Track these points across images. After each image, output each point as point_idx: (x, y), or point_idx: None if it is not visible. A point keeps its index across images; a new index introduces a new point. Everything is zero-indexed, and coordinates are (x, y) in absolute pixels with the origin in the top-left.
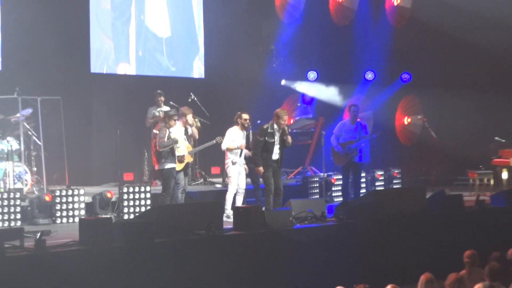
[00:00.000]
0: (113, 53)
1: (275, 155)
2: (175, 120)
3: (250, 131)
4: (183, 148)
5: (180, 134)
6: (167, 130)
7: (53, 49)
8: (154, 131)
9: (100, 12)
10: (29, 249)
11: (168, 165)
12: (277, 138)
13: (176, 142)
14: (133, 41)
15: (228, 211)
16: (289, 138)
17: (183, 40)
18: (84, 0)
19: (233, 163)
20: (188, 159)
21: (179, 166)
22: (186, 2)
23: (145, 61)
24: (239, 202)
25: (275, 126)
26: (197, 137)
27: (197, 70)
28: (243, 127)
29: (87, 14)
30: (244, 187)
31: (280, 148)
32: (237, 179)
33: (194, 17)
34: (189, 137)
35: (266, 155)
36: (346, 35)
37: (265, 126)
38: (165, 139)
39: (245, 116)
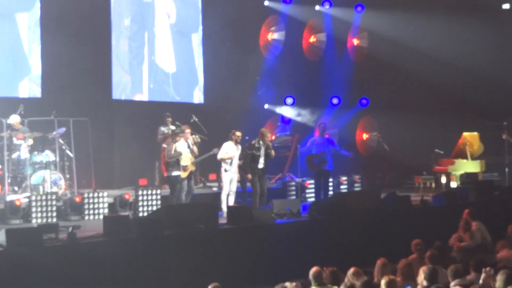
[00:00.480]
0: (130, 85)
1: (261, 165)
2: (180, 137)
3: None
4: (186, 159)
5: (184, 148)
6: (174, 144)
7: (82, 80)
8: (164, 145)
9: (120, 52)
10: (63, 240)
11: (175, 173)
12: (262, 151)
13: (180, 154)
14: (146, 76)
15: (223, 209)
16: (273, 152)
17: (186, 74)
18: (107, 41)
19: (226, 171)
20: (191, 168)
21: (183, 174)
22: (188, 43)
23: (155, 92)
24: (231, 202)
25: (261, 142)
26: (197, 153)
27: (197, 98)
28: (236, 142)
29: (109, 53)
30: (235, 190)
31: (264, 160)
32: (229, 184)
33: (194, 55)
34: (191, 150)
35: (253, 165)
36: (316, 68)
37: (253, 142)
38: (172, 152)
39: (238, 133)
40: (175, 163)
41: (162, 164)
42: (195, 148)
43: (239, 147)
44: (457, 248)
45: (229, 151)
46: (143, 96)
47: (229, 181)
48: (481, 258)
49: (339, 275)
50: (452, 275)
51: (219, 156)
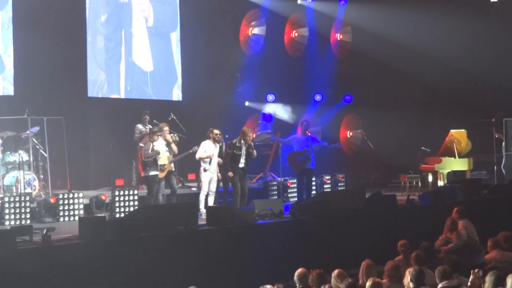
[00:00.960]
0: (106, 83)
1: (241, 164)
2: (158, 136)
3: (224, 143)
4: (164, 158)
5: (162, 146)
6: (151, 143)
7: (57, 77)
8: (140, 144)
9: (96, 49)
10: (37, 243)
11: (152, 173)
12: (243, 151)
13: (158, 153)
14: (123, 75)
15: (202, 209)
16: (254, 151)
17: (164, 72)
18: (82, 38)
19: (205, 170)
20: (169, 167)
21: (161, 174)
22: (166, 42)
23: (133, 90)
24: (210, 203)
25: (242, 141)
26: (176, 152)
27: (176, 95)
28: (215, 141)
29: (84, 50)
30: (215, 190)
31: (245, 159)
32: (208, 184)
33: (173, 53)
34: (170, 149)
35: (234, 165)
36: (298, 64)
37: (233, 141)
38: (149, 151)
39: (216, 131)
40: (153, 162)
41: (139, 163)
42: (174, 147)
43: (218, 145)
44: (445, 252)
45: (208, 150)
46: (120, 95)
47: (209, 181)
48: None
49: (326, 277)
50: (440, 277)
51: (197, 156)
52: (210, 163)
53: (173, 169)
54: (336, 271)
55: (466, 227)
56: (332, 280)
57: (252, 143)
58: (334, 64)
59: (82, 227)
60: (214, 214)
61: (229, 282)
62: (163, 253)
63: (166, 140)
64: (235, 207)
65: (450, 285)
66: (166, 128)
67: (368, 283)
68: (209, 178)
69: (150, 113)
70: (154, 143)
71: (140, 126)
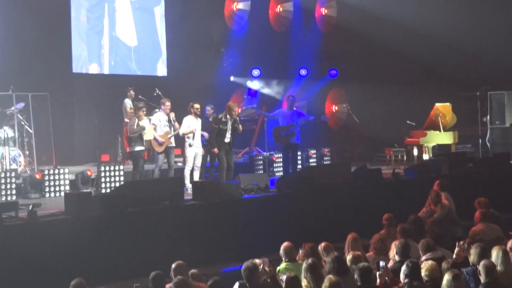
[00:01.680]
0: (90, 60)
1: (227, 139)
2: (143, 111)
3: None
4: (150, 134)
5: (163, 121)
6: (136, 119)
7: (41, 53)
8: (126, 120)
9: (80, 25)
10: (23, 219)
11: (137, 148)
12: (229, 126)
13: (143, 129)
14: (107, 50)
15: (187, 185)
16: (240, 126)
17: (148, 47)
18: (66, 13)
19: (190, 146)
20: (167, 142)
21: (159, 149)
22: (150, 17)
23: (117, 67)
24: (196, 178)
25: (228, 116)
26: (178, 128)
27: (161, 71)
28: (196, 115)
29: (69, 25)
30: (200, 165)
31: (231, 134)
32: (193, 159)
33: (157, 27)
34: (171, 124)
35: (220, 140)
36: (283, 39)
37: (219, 116)
38: (135, 127)
39: (197, 105)
40: (138, 138)
41: (124, 139)
42: (176, 125)
43: (199, 119)
44: (430, 223)
45: (191, 125)
46: (104, 70)
47: (194, 156)
48: (438, 232)
49: (318, 251)
50: (424, 249)
51: (181, 131)
52: (193, 138)
53: (172, 144)
54: (322, 244)
55: (448, 199)
56: (319, 253)
57: (238, 118)
58: (319, 38)
59: (68, 203)
60: (200, 189)
61: (215, 257)
62: (149, 228)
63: (168, 115)
64: (221, 182)
65: (434, 256)
66: (168, 104)
67: (348, 257)
68: (194, 153)
69: (134, 88)
70: (159, 116)
71: (129, 101)
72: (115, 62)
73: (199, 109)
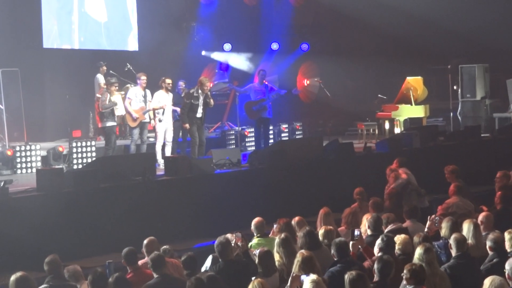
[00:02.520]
0: (60, 35)
1: (199, 114)
2: (115, 87)
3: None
4: (121, 109)
5: (139, 96)
6: (108, 94)
7: (11, 29)
8: (97, 95)
9: (49, 1)
10: None
11: (109, 123)
12: (201, 100)
13: (115, 104)
14: (76, 26)
15: (159, 160)
16: (212, 101)
17: (119, 22)
18: None
19: (160, 121)
20: (141, 118)
21: (133, 124)
22: None
23: (87, 43)
24: (168, 153)
25: (199, 91)
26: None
27: (131, 45)
28: (167, 90)
29: (39, 1)
30: (171, 140)
31: (203, 109)
32: (163, 134)
33: (127, 2)
34: (146, 99)
35: (192, 114)
36: (254, 12)
37: (191, 91)
38: (107, 102)
39: (168, 80)
40: (110, 113)
41: (96, 114)
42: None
43: (170, 94)
44: (387, 194)
45: (161, 100)
46: (73, 46)
47: (164, 131)
48: (413, 206)
49: (293, 226)
50: (385, 223)
51: (151, 106)
52: (163, 113)
53: (146, 120)
54: (296, 218)
55: (406, 173)
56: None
57: (209, 93)
58: (290, 12)
59: (40, 179)
60: (172, 164)
61: (187, 232)
62: (122, 204)
63: (144, 90)
64: (193, 157)
65: (395, 228)
66: (144, 78)
67: (320, 231)
68: (164, 128)
69: (106, 64)
70: (135, 91)
71: (101, 77)
72: (85, 38)
73: (171, 84)
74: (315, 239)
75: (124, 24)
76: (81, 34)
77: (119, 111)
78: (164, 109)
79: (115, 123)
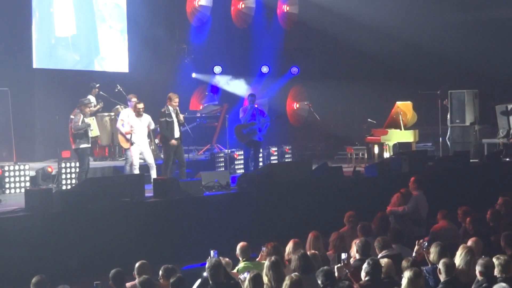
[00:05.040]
0: (51, 55)
1: (177, 134)
2: (89, 108)
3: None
4: (96, 130)
5: (132, 117)
6: (81, 115)
7: (2, 48)
8: (71, 116)
9: (40, 19)
10: None
11: (82, 145)
12: (174, 117)
13: (89, 125)
14: (69, 46)
15: None
16: (181, 116)
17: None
18: (28, 7)
19: (132, 144)
20: None
21: (126, 145)
22: None
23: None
24: (154, 175)
25: (170, 108)
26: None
27: (122, 67)
28: (139, 114)
29: (30, 20)
30: (153, 162)
31: (179, 126)
32: (136, 157)
33: (117, 23)
34: (140, 120)
35: (170, 132)
36: (245, 36)
37: (162, 110)
38: (79, 123)
39: (140, 105)
40: (83, 135)
41: (70, 136)
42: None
43: (146, 117)
44: (389, 211)
45: (131, 122)
46: (65, 66)
47: (137, 154)
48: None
49: (281, 250)
50: (379, 247)
51: (123, 131)
52: (135, 136)
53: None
54: (291, 241)
55: (414, 199)
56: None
57: (178, 109)
58: (281, 35)
59: (28, 199)
60: (161, 186)
61: (176, 254)
62: (110, 225)
63: (135, 111)
64: (164, 175)
65: (389, 253)
66: (135, 99)
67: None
68: (138, 151)
69: (99, 86)
70: (129, 118)
71: (93, 98)
72: (76, 59)
73: (143, 109)
74: (309, 263)
75: (115, 46)
76: (73, 54)
77: (93, 132)
78: (132, 133)
79: (88, 145)
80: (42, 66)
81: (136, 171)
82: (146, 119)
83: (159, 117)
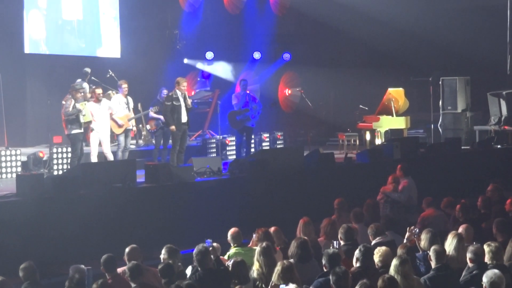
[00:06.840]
0: (43, 41)
1: (184, 119)
2: (81, 93)
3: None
4: (88, 116)
5: (122, 103)
6: (73, 101)
7: None
8: (63, 101)
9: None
10: None
11: (74, 131)
12: (181, 101)
13: (80, 111)
14: (60, 32)
15: None
16: (189, 101)
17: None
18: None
19: (92, 131)
20: (126, 125)
21: (118, 131)
22: None
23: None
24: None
25: (178, 91)
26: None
27: (114, 52)
28: (98, 100)
29: (21, 5)
30: (108, 150)
31: (186, 111)
32: (96, 144)
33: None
34: (129, 106)
35: (177, 117)
36: (237, 21)
37: (170, 93)
38: (70, 109)
39: (98, 90)
40: (75, 120)
41: (62, 121)
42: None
43: (105, 103)
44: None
45: (93, 111)
46: (56, 51)
47: (97, 141)
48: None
49: (271, 236)
50: (373, 234)
51: (86, 120)
52: (95, 123)
53: (131, 127)
54: (272, 228)
55: (405, 186)
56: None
57: (186, 93)
58: (273, 21)
59: (20, 185)
60: (152, 172)
61: (167, 240)
62: (101, 211)
63: (126, 97)
64: (173, 165)
65: (383, 240)
66: (125, 85)
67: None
68: (98, 139)
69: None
70: (115, 99)
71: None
72: (67, 43)
73: (101, 94)
74: (307, 252)
75: (108, 31)
76: (64, 40)
77: (85, 118)
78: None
79: (81, 131)
80: (33, 51)
81: (94, 159)
82: (105, 104)
83: (165, 101)
